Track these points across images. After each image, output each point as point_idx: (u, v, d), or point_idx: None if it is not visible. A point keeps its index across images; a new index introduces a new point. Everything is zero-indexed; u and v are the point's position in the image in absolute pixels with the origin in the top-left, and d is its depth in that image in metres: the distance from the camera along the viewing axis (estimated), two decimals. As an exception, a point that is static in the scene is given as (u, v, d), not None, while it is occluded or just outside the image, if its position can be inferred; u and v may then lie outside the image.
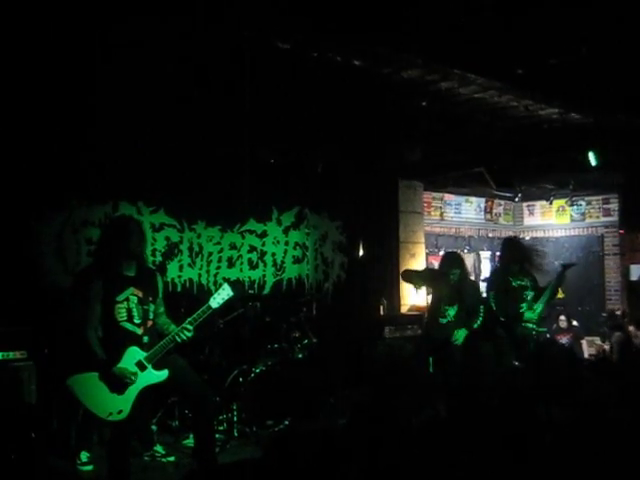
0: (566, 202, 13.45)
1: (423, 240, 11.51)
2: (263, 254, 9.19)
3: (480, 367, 7.65)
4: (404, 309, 10.61)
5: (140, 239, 5.07)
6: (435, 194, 12.61)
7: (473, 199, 13.46)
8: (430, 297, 8.05)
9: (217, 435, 6.37)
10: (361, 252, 9.99)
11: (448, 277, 7.60)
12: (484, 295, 8.14)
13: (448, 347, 7.57)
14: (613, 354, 11.00)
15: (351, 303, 9.86)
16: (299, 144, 8.81)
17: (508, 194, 12.97)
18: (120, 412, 4.84)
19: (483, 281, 12.97)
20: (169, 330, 5.10)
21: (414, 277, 8.48)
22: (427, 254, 11.77)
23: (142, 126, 7.35)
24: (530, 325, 7.65)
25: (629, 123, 8.86)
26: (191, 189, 8.17)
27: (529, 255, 8.11)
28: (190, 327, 5.03)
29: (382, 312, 9.86)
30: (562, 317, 11.80)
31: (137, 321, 4.97)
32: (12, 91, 6.64)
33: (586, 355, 11.67)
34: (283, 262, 9.39)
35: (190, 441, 6.38)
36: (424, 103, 8.23)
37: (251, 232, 9.09)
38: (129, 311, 4.95)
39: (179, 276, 8.41)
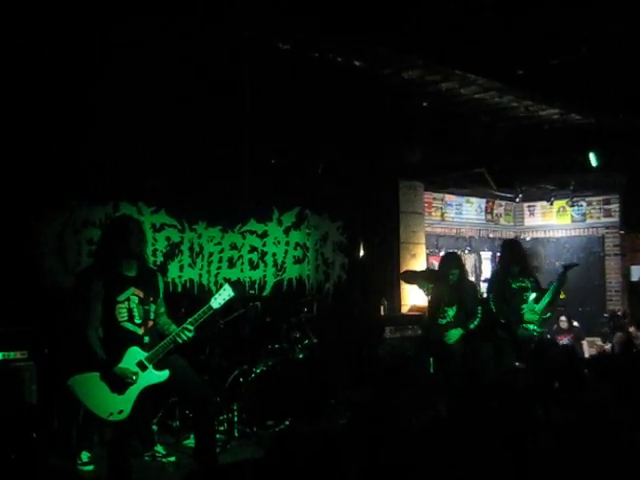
0: (567, 203, 13.44)
1: (424, 241, 11.50)
2: (264, 254, 9.19)
3: (480, 368, 7.66)
4: (405, 309, 10.60)
5: (140, 239, 5.07)
6: (436, 195, 12.60)
7: (474, 200, 13.45)
8: (429, 298, 8.04)
9: (218, 435, 6.36)
10: (362, 253, 9.99)
11: (447, 277, 7.60)
12: (483, 296, 8.14)
13: (448, 348, 7.58)
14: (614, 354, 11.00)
15: (352, 304, 9.86)
16: (300, 144, 8.81)
17: (509, 195, 12.97)
18: (121, 412, 4.84)
19: (484, 282, 13.00)
20: (170, 330, 5.10)
21: (414, 278, 8.48)
22: (428, 255, 11.76)
23: (142, 126, 7.35)
24: (531, 326, 7.65)
25: (630, 123, 8.86)
26: (192, 189, 8.17)
27: (528, 257, 8.11)
28: (191, 327, 5.03)
29: (383, 312, 9.85)
30: (563, 318, 11.80)
31: (138, 321, 4.97)
32: (13, 91, 6.64)
33: (587, 356, 11.66)
34: (284, 262, 9.39)
35: (191, 441, 6.37)
36: (425, 104, 8.24)
37: (252, 232, 9.09)
38: (130, 311, 4.96)
39: (180, 276, 8.41)
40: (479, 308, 7.67)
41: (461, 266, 7.86)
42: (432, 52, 6.75)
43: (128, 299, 4.97)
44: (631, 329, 11.17)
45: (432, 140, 9.64)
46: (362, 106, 8.09)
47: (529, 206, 14.31)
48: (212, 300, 5.15)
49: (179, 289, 8.35)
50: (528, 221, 14.45)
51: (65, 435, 6.27)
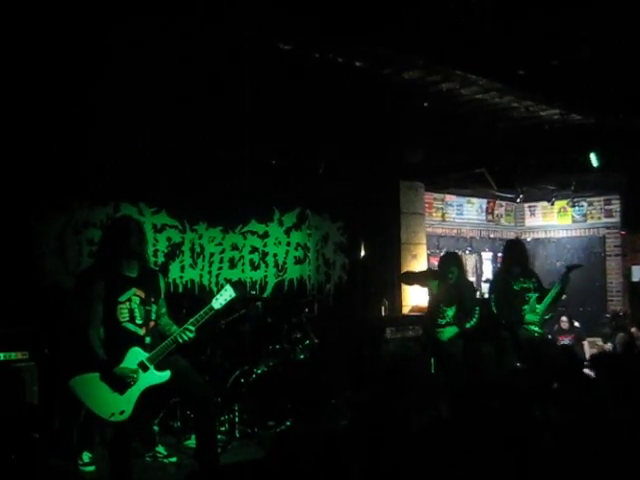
0: (568, 203, 13.45)
1: (424, 241, 11.50)
2: (265, 255, 9.20)
3: (481, 368, 7.66)
4: (405, 310, 10.60)
5: (140, 239, 5.07)
6: (436, 195, 12.60)
7: (474, 200, 13.45)
8: (429, 298, 8.05)
9: (219, 436, 6.36)
10: (362, 253, 9.99)
11: (447, 277, 7.61)
12: (484, 296, 8.14)
13: (448, 348, 7.59)
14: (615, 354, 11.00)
15: (352, 304, 9.86)
16: (300, 145, 8.81)
17: (509, 195, 12.97)
18: (122, 413, 4.84)
19: (485, 282, 13.02)
20: (171, 331, 5.11)
21: (414, 279, 8.48)
22: (429, 255, 11.76)
23: (143, 127, 7.35)
24: (532, 327, 7.65)
25: (630, 124, 8.86)
26: (192, 190, 8.17)
27: (530, 258, 8.11)
28: (192, 328, 5.03)
29: (383, 313, 9.86)
30: (564, 318, 11.79)
31: (139, 322, 4.98)
32: (13, 91, 6.64)
33: (587, 356, 11.66)
34: (285, 263, 9.39)
35: (192, 442, 6.37)
36: (425, 104, 8.23)
37: (253, 233, 9.10)
38: (131, 312, 4.96)
39: (181, 277, 8.41)
40: (477, 308, 7.68)
41: (460, 265, 7.88)
42: (433, 52, 6.75)
43: (129, 299, 4.97)
44: (633, 329, 11.17)
45: (433, 140, 9.65)
46: (363, 106, 8.09)
47: (530, 206, 14.30)
48: (213, 301, 5.16)
49: (180, 290, 8.35)
50: (529, 221, 14.45)
51: (66, 435, 6.27)
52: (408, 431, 3.53)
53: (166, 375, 5.01)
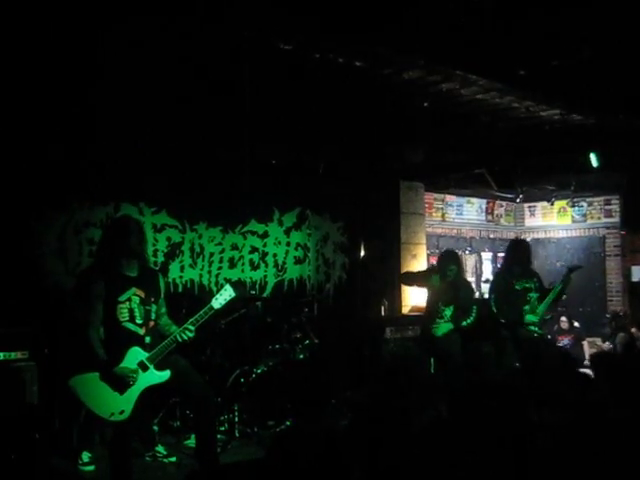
0: (567, 203, 13.45)
1: (424, 241, 11.51)
2: (264, 255, 9.20)
3: (482, 367, 7.67)
4: (405, 310, 10.61)
5: (140, 239, 5.07)
6: (436, 195, 12.60)
7: (474, 200, 13.46)
8: (427, 297, 8.05)
9: (218, 435, 6.37)
10: (362, 253, 10.00)
11: (445, 274, 7.61)
12: (484, 296, 8.15)
13: (446, 347, 7.59)
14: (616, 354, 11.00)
15: (352, 304, 9.86)
16: (300, 145, 8.81)
17: (509, 195, 12.97)
18: (122, 412, 4.84)
19: (484, 282, 13.02)
20: (171, 331, 5.11)
21: (414, 279, 8.48)
22: (428, 255, 11.77)
23: (143, 127, 7.36)
24: (532, 327, 7.66)
25: (630, 124, 8.86)
26: (192, 190, 8.18)
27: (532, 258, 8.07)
28: (192, 328, 5.04)
29: (383, 313, 9.86)
30: (563, 318, 11.80)
31: (139, 321, 4.98)
32: (13, 92, 6.64)
33: (587, 356, 11.66)
34: (284, 263, 9.39)
35: (192, 441, 6.37)
36: (425, 104, 8.23)
37: (252, 233, 9.10)
38: (131, 311, 4.96)
39: (180, 277, 8.42)
40: (475, 307, 7.69)
41: (459, 263, 7.89)
42: (433, 52, 6.75)
43: (129, 299, 4.97)
44: (633, 329, 11.18)
45: (433, 140, 9.64)
46: (363, 106, 8.08)
47: (530, 206, 14.31)
48: (213, 300, 5.16)
49: (180, 289, 8.35)
50: (529, 221, 14.45)
51: (66, 435, 6.28)
52: (408, 431, 3.53)
53: (166, 375, 5.02)
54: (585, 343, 11.90)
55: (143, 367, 4.96)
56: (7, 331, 6.16)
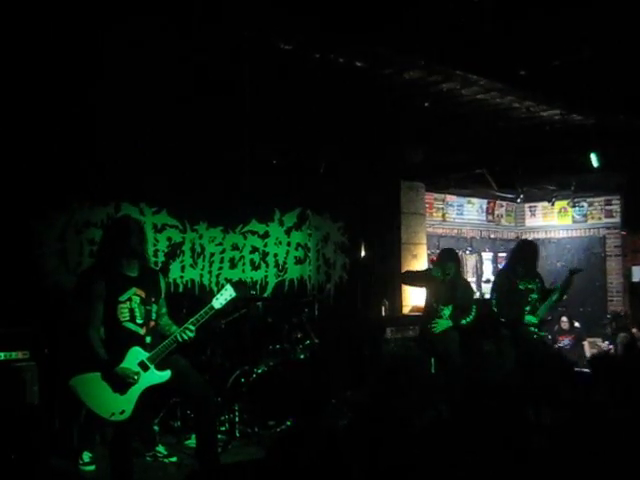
0: (568, 203, 13.46)
1: (425, 241, 11.51)
2: (265, 255, 9.20)
3: (483, 366, 7.67)
4: (406, 310, 10.61)
5: (141, 239, 5.07)
6: (437, 195, 12.61)
7: (475, 200, 13.46)
8: (426, 297, 8.04)
9: (219, 435, 6.37)
10: (363, 253, 9.99)
11: (444, 274, 7.61)
12: (485, 297, 8.14)
13: (445, 347, 7.60)
14: (617, 354, 11.00)
15: (353, 304, 9.86)
16: (301, 145, 8.81)
17: (510, 195, 12.97)
18: (122, 412, 4.84)
19: (485, 282, 13.02)
20: (171, 331, 5.11)
21: (414, 279, 8.48)
22: (429, 255, 11.77)
23: (143, 127, 7.36)
24: (532, 328, 7.66)
25: (630, 124, 8.86)
26: (193, 190, 8.17)
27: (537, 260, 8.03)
28: (192, 328, 5.04)
29: (384, 313, 9.86)
30: (564, 318, 11.80)
31: (139, 321, 4.98)
32: (13, 92, 6.64)
33: (588, 356, 11.66)
34: (285, 263, 9.39)
35: (192, 441, 6.38)
36: (426, 104, 8.23)
37: (253, 233, 9.10)
38: (132, 311, 4.96)
39: (181, 277, 8.41)
40: (474, 307, 7.69)
41: (457, 262, 7.88)
42: (433, 52, 6.75)
43: (130, 299, 4.98)
44: (634, 330, 11.18)
45: (433, 140, 9.64)
46: (363, 106, 8.09)
47: (530, 207, 14.32)
48: (214, 300, 5.16)
49: (180, 289, 8.35)
50: (529, 222, 14.46)
51: (66, 435, 6.28)
52: (408, 431, 3.53)
53: (166, 375, 5.02)
54: (586, 343, 11.90)
55: (144, 367, 4.96)
56: (7, 331, 6.15)
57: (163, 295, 5.23)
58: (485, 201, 13.66)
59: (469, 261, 13.19)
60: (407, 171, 10.84)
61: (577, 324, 12.05)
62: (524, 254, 7.89)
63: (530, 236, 14.18)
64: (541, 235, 14.13)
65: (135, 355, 4.94)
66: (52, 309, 6.93)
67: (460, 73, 7.27)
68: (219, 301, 5.16)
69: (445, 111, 8.58)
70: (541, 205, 14.04)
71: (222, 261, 8.80)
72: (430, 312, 7.75)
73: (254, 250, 9.10)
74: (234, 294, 5.21)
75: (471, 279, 12.51)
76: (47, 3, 5.63)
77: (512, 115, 8.88)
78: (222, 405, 6.96)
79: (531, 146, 9.88)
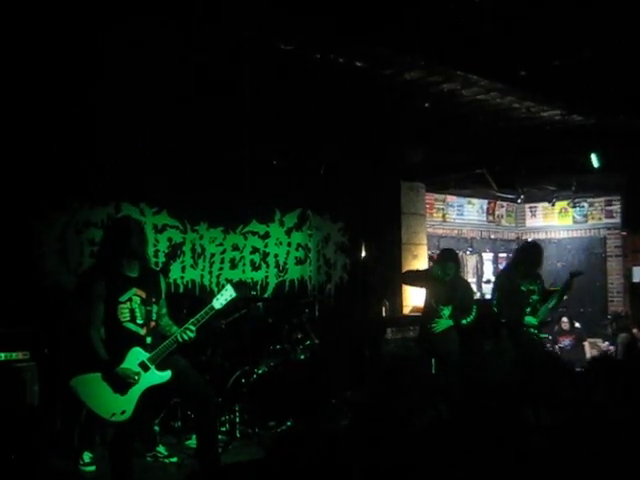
0: (568, 204, 13.47)
1: (425, 241, 11.50)
2: (265, 255, 9.19)
3: (484, 366, 7.67)
4: (406, 310, 10.60)
5: (141, 239, 5.07)
6: (437, 195, 12.61)
7: (475, 201, 13.47)
8: (425, 297, 8.04)
9: (219, 436, 6.36)
10: (363, 253, 9.99)
11: (444, 274, 7.60)
12: (485, 297, 8.13)
13: (445, 347, 7.59)
14: (617, 355, 11.02)
15: (353, 304, 9.86)
16: (301, 145, 8.81)
17: (510, 196, 12.98)
18: (123, 413, 4.84)
19: (485, 283, 13.02)
20: (171, 331, 5.10)
21: (415, 278, 8.46)
22: (429, 256, 11.76)
23: (144, 127, 7.36)
24: (531, 330, 7.67)
25: (630, 124, 8.87)
26: (193, 190, 8.17)
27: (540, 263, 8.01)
28: (193, 328, 5.03)
29: (384, 313, 9.86)
30: (564, 319, 11.79)
31: (140, 321, 4.98)
32: (13, 92, 6.64)
33: (588, 356, 11.67)
34: (285, 263, 9.39)
35: (192, 442, 6.38)
36: (426, 104, 8.24)
37: (253, 233, 9.09)
38: (132, 311, 4.96)
39: (181, 277, 8.41)
40: (474, 307, 7.69)
41: (457, 262, 7.88)
42: (433, 53, 6.76)
43: (130, 299, 4.97)
44: (634, 330, 11.18)
45: (433, 141, 9.65)
46: (364, 107, 8.10)
47: (531, 207, 14.32)
48: (214, 300, 5.16)
49: (181, 290, 8.34)
50: (530, 222, 14.46)
51: (67, 436, 6.27)
52: (408, 431, 3.53)
53: (167, 375, 5.01)
54: (586, 344, 11.89)
55: (144, 367, 4.95)
56: (7, 331, 6.15)
57: (163, 296, 5.22)
58: (485, 201, 13.67)
59: (469, 262, 13.19)
60: (407, 171, 10.84)
61: (577, 324, 12.04)
62: (529, 256, 7.86)
63: (530, 236, 14.18)
64: (541, 235, 14.13)
65: (135, 355, 4.94)
66: (52, 309, 6.92)
67: (460, 73, 7.28)
68: (219, 301, 5.15)
69: (445, 111, 8.59)
70: (541, 205, 14.05)
71: (222, 261, 8.79)
72: (430, 312, 7.74)
73: (254, 250, 9.09)
74: (234, 294, 5.21)
75: (471, 280, 12.51)
76: (47, 3, 5.64)
77: (512, 115, 8.89)
78: (222, 405, 6.96)
79: (531, 146, 9.88)
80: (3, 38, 5.95)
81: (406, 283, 9.41)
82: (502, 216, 14.15)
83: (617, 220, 13.17)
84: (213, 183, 8.29)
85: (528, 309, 7.62)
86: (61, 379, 5.19)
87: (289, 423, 7.10)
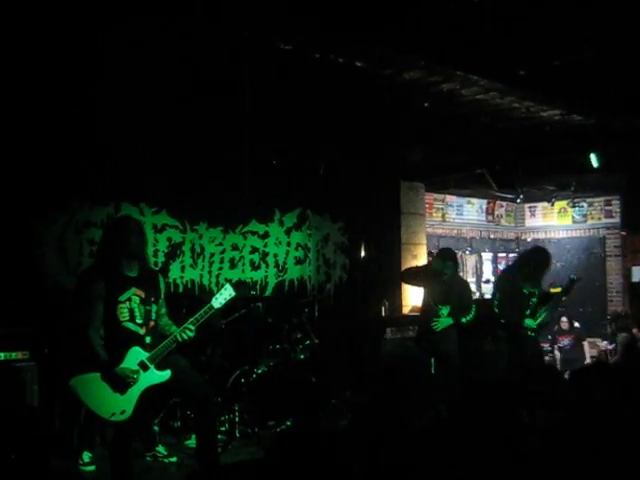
0: (568, 203, 13.47)
1: (425, 241, 11.51)
2: (265, 255, 9.20)
3: (483, 365, 7.67)
4: (406, 310, 10.61)
5: (140, 239, 5.07)
6: (437, 195, 12.61)
7: (475, 200, 13.46)
8: (423, 297, 8.04)
9: (219, 436, 6.36)
10: (363, 253, 9.99)
11: (442, 274, 7.61)
12: (484, 296, 8.13)
13: (443, 346, 7.60)
14: (616, 355, 11.02)
15: (353, 304, 9.86)
16: (301, 145, 8.81)
17: (510, 195, 12.98)
18: (123, 412, 4.84)
19: (485, 283, 13.02)
20: (171, 331, 5.10)
21: (415, 276, 8.46)
22: (428, 252, 11.75)
23: (143, 127, 7.36)
24: (529, 333, 7.68)
25: (630, 124, 8.87)
26: (193, 190, 8.17)
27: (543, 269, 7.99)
28: (192, 327, 5.04)
29: (384, 313, 9.86)
30: (564, 319, 11.79)
31: (139, 321, 4.98)
32: (13, 92, 6.65)
33: (588, 356, 11.68)
34: (285, 263, 9.39)
35: (192, 442, 6.37)
36: (426, 104, 8.24)
37: (253, 233, 9.10)
38: (131, 311, 4.96)
39: (181, 277, 8.41)
40: (473, 306, 7.70)
41: (455, 260, 7.88)
42: (433, 53, 6.76)
43: (129, 299, 4.97)
44: (634, 330, 11.18)
45: (433, 141, 9.65)
46: (363, 106, 8.09)
47: (530, 207, 14.31)
48: (213, 300, 5.16)
49: (180, 290, 8.35)
50: (529, 222, 14.46)
51: (66, 435, 6.28)
52: (408, 431, 3.53)
53: (166, 375, 5.01)
54: (585, 343, 11.89)
55: (144, 367, 4.95)
56: (7, 331, 6.16)
57: (163, 295, 5.22)
58: (485, 201, 13.66)
59: (469, 261, 13.19)
60: (407, 171, 10.85)
61: (577, 324, 12.05)
62: (535, 260, 7.84)
63: (530, 236, 14.19)
64: (541, 235, 14.14)
65: (135, 355, 4.94)
66: (52, 309, 6.92)
67: (460, 73, 7.28)
68: (218, 300, 5.16)
69: (445, 111, 8.58)
70: (541, 205, 14.04)
71: (222, 261, 8.80)
72: (428, 312, 7.74)
73: (254, 250, 9.10)
74: (233, 294, 5.21)
75: (471, 279, 12.51)
76: (48, 3, 5.64)
77: (512, 115, 8.89)
78: (222, 405, 6.96)
79: (531, 146, 9.88)
80: (3, 38, 5.94)
81: (405, 281, 9.40)
82: (501, 216, 14.15)
83: (616, 220, 13.17)
84: (213, 183, 8.30)
85: (528, 311, 7.63)
86: (61, 379, 5.19)
87: (289, 423, 7.11)
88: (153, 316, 5.06)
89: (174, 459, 6.35)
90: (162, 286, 5.24)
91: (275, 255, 9.30)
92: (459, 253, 11.52)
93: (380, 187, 10.45)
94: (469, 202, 13.37)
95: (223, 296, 5.17)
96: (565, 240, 13.81)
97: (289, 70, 6.92)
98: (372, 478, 3.15)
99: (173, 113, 7.36)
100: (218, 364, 7.29)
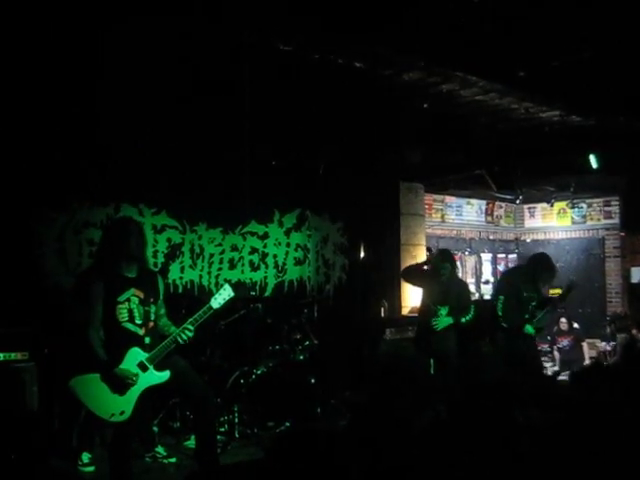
0: (567, 204, 13.47)
1: (424, 242, 11.50)
2: (264, 256, 9.20)
3: (482, 366, 7.67)
4: (405, 311, 10.61)
5: (140, 240, 5.07)
6: (436, 196, 12.61)
7: (474, 201, 13.47)
8: (422, 298, 8.04)
9: (218, 436, 6.36)
10: (362, 254, 9.99)
11: (439, 272, 7.62)
12: (484, 297, 8.13)
13: (442, 346, 7.60)
14: (616, 356, 11.02)
15: (352, 305, 9.86)
16: (300, 146, 8.81)
17: (509, 196, 12.97)
18: (122, 413, 4.84)
19: (484, 283, 13.02)
20: (170, 332, 5.10)
21: (415, 275, 8.45)
22: (427, 247, 11.75)
23: (143, 127, 7.35)
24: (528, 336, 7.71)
25: (630, 125, 8.87)
26: (192, 190, 8.17)
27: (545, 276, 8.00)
28: (191, 327, 5.03)
29: (383, 314, 9.86)
30: (563, 319, 11.80)
31: (138, 322, 4.97)
32: (13, 92, 6.64)
33: (587, 357, 11.68)
34: (284, 264, 9.39)
35: (191, 442, 6.38)
36: (425, 105, 8.24)
37: (252, 234, 9.10)
38: (130, 312, 4.96)
39: (180, 277, 8.41)
40: (472, 307, 7.71)
41: (453, 261, 7.89)
42: (433, 53, 6.76)
43: (128, 300, 4.97)
44: (634, 331, 11.18)
45: (432, 141, 9.65)
46: (363, 107, 8.09)
47: (529, 208, 14.32)
48: (212, 300, 5.16)
49: (180, 290, 8.35)
50: (528, 223, 14.46)
51: (66, 436, 6.27)
52: (407, 431, 3.53)
53: (166, 375, 5.01)
54: (585, 344, 11.90)
55: (143, 368, 4.95)
56: (7, 331, 6.15)
57: (162, 296, 5.22)
58: (484, 202, 13.67)
59: (468, 262, 13.20)
60: (406, 172, 10.84)
61: (576, 325, 12.06)
62: (540, 267, 7.85)
63: (529, 237, 14.19)
64: (540, 236, 14.14)
65: (134, 356, 4.93)
66: (52, 309, 6.91)
67: (460, 74, 7.28)
68: (217, 301, 5.16)
69: (444, 112, 8.58)
70: (540, 206, 14.05)
71: (221, 262, 8.79)
72: (427, 312, 7.75)
73: (253, 251, 9.10)
74: (232, 294, 5.21)
75: (470, 280, 12.53)
76: (48, 3, 5.64)
77: (511, 116, 8.90)
78: (221, 406, 6.96)
79: (530, 147, 9.89)
80: (3, 38, 5.94)
81: (406, 279, 9.41)
82: (501, 217, 14.15)
83: (616, 221, 13.17)
84: (212, 183, 8.30)
85: (526, 316, 7.66)
86: (60, 379, 5.18)
87: (288, 423, 7.11)
88: (152, 317, 5.05)
89: (173, 460, 6.35)
90: (161, 287, 5.24)
91: (274, 256, 9.30)
92: (458, 254, 11.53)
93: (379, 188, 10.44)
94: (468, 203, 13.38)
95: (222, 296, 5.17)
96: (564, 241, 13.82)
97: (289, 70, 6.92)
98: (371, 478, 3.14)
99: (173, 113, 7.35)
100: (217, 365, 7.28)
